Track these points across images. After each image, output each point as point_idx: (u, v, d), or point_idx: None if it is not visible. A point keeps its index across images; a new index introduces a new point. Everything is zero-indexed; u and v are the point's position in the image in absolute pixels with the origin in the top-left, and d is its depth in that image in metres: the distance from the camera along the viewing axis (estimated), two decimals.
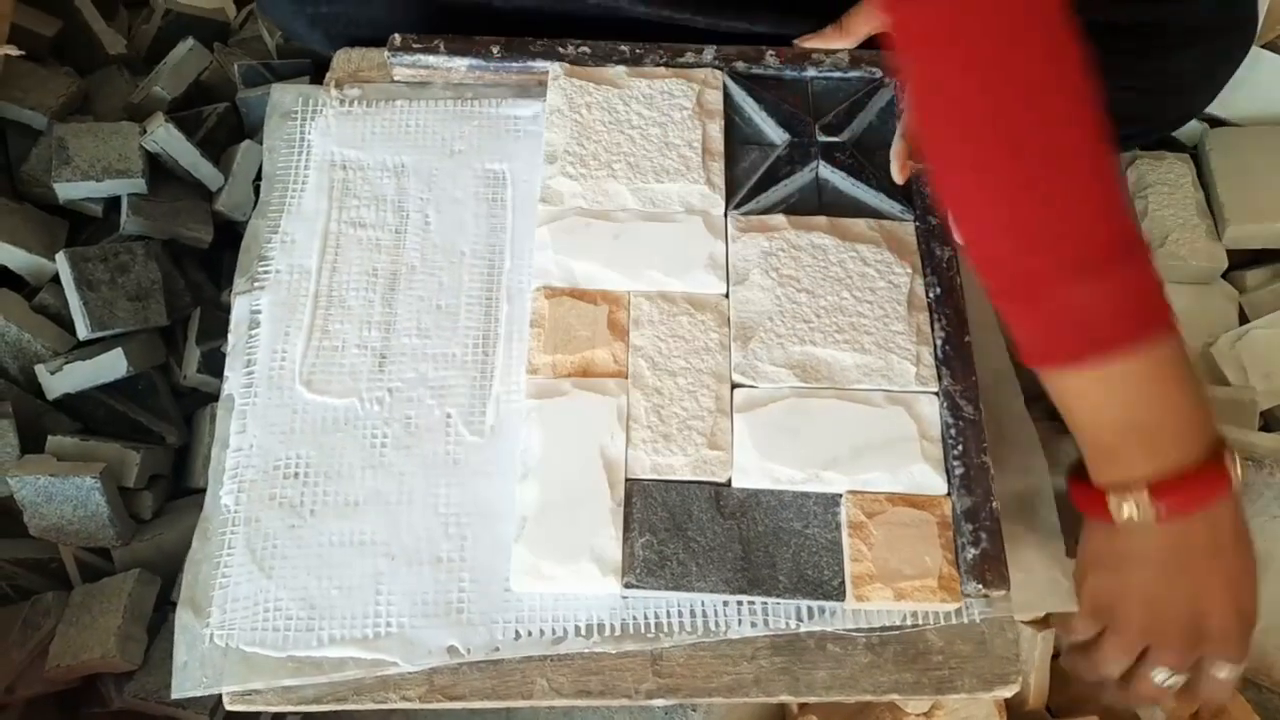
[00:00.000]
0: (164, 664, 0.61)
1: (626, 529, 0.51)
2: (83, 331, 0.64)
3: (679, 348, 0.55)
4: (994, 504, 0.51)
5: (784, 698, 0.50)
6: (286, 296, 0.59)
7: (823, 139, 0.61)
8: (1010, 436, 0.57)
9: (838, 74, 0.64)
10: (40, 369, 0.63)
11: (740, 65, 0.64)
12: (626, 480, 0.52)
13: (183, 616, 0.52)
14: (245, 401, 0.56)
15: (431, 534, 0.53)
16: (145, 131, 0.70)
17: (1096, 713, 0.62)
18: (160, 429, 0.67)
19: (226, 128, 0.77)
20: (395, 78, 0.66)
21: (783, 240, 0.58)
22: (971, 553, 0.50)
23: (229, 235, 0.75)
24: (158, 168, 0.72)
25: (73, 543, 0.63)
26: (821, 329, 0.55)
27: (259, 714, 0.64)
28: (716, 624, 0.51)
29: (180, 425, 0.69)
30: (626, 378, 0.54)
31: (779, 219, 0.59)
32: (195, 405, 0.70)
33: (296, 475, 0.54)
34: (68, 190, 0.68)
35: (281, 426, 0.55)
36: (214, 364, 0.69)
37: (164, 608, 0.63)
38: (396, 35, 0.65)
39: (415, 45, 0.64)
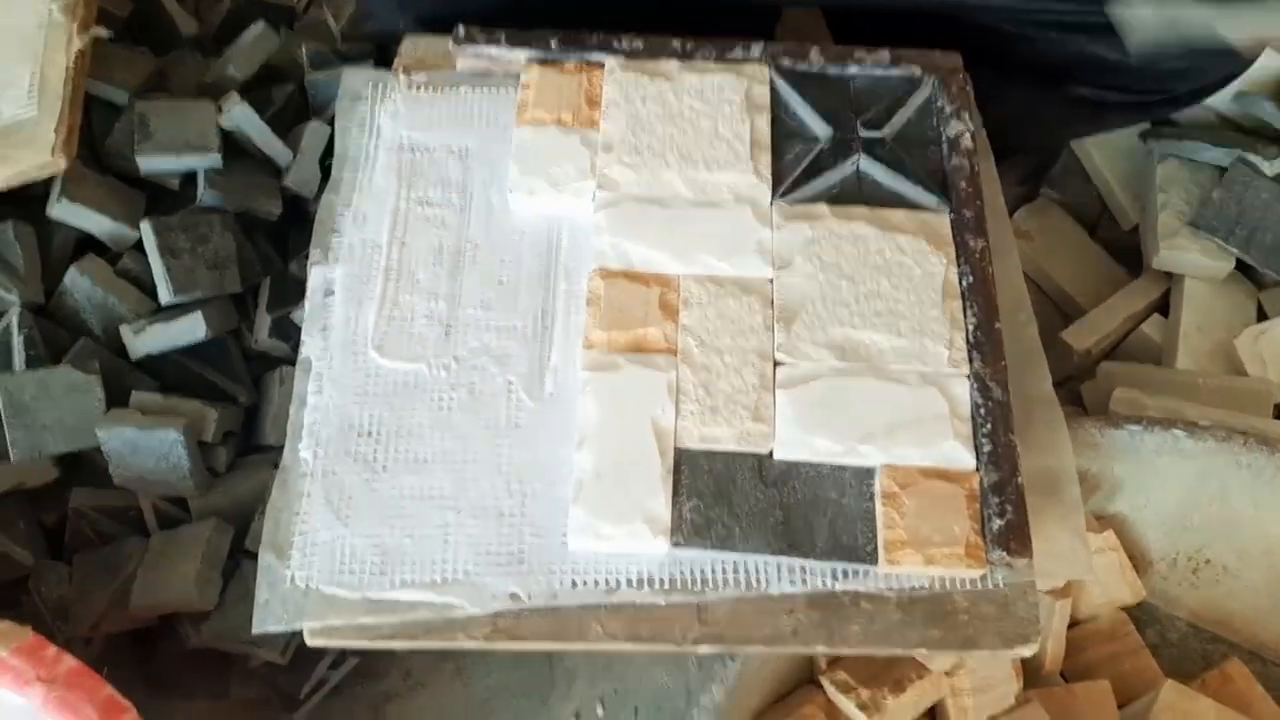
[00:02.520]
0: (238, 606, 0.66)
1: (675, 494, 0.55)
2: (165, 296, 0.68)
3: (726, 327, 0.59)
4: (1019, 479, 0.55)
5: (820, 649, 0.55)
6: (359, 269, 0.63)
7: (864, 134, 0.65)
8: (1037, 417, 0.61)
9: (879, 71, 0.68)
10: (124, 329, 0.68)
11: (786, 61, 0.68)
12: (676, 449, 0.56)
13: (265, 558, 0.56)
14: (321, 364, 0.61)
15: (495, 490, 0.57)
16: (221, 110, 0.74)
17: (1108, 679, 0.66)
18: (233, 389, 0.72)
19: (294, 108, 0.81)
20: (459, 67, 0.70)
21: (825, 229, 0.62)
22: (997, 523, 0.54)
23: (295, 210, 0.79)
24: (231, 144, 0.76)
25: (153, 493, 0.67)
26: (860, 313, 0.59)
27: (325, 652, 0.69)
28: (758, 580, 0.55)
29: (250, 386, 0.73)
30: (676, 354, 0.58)
31: (822, 208, 0.63)
32: (264, 368, 0.75)
33: (370, 433, 0.58)
34: (149, 163, 0.72)
35: (355, 388, 0.60)
36: (283, 330, 0.73)
37: (237, 555, 0.68)
38: (461, 26, 0.68)
39: (479, 36, 0.68)
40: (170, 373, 0.71)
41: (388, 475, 0.57)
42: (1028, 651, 0.55)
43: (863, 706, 0.60)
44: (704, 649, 0.54)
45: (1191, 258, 0.75)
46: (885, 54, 0.68)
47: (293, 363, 0.67)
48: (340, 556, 0.55)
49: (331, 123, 0.77)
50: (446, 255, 0.64)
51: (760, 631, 0.54)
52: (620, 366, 0.58)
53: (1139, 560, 0.68)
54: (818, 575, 0.55)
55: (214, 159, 0.73)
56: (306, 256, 0.65)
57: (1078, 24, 0.68)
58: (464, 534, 0.56)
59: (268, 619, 0.54)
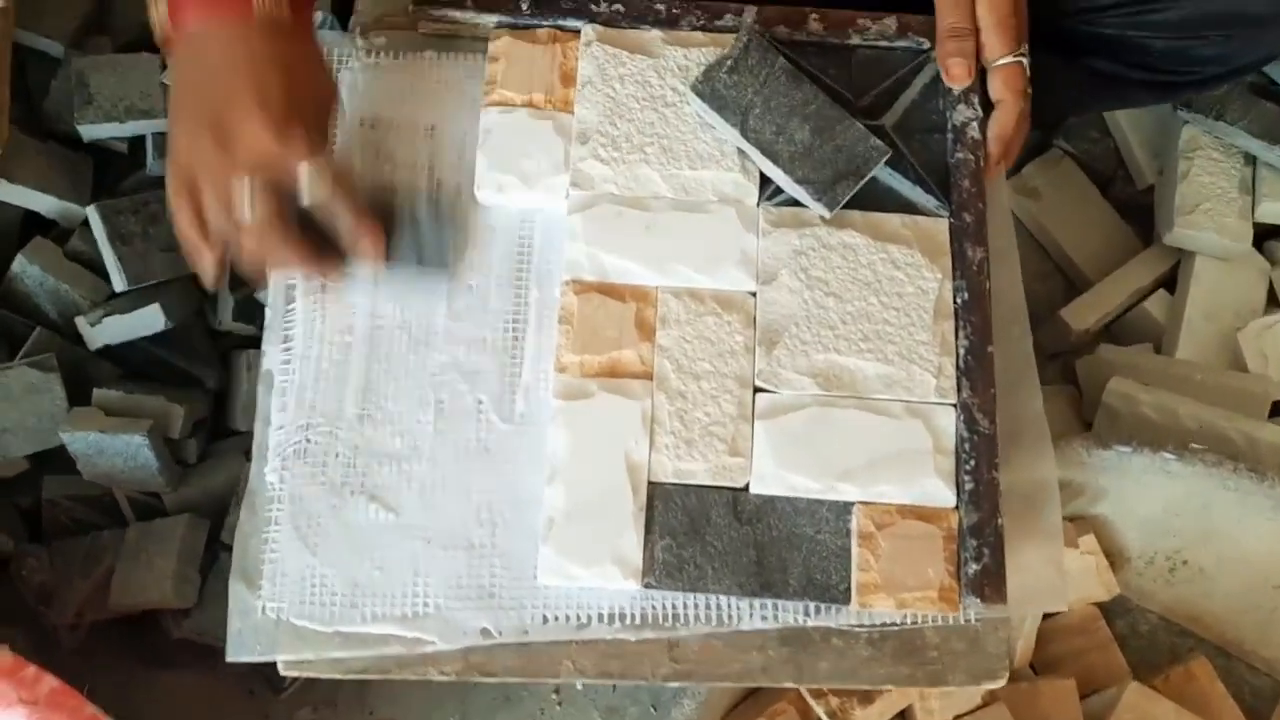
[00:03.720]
0: (217, 601, 0.67)
1: (648, 531, 0.54)
2: (119, 285, 0.65)
3: (704, 350, 0.56)
4: (999, 520, 0.54)
5: (788, 684, 0.55)
6: None
7: (862, 122, 0.60)
8: (1024, 440, 0.59)
9: (883, 43, 0.62)
10: (80, 322, 0.65)
11: (782, 30, 0.61)
12: (649, 483, 0.54)
13: (235, 587, 0.56)
14: (285, 379, 0.58)
15: (464, 520, 0.56)
16: (165, 66, 0.68)
17: (1075, 672, 0.67)
18: (199, 373, 0.70)
19: None
20: (421, 31, 0.63)
21: (814, 238, 0.58)
22: (973, 568, 0.53)
23: None
24: None
25: (124, 488, 0.66)
26: (846, 336, 0.56)
27: None
28: (729, 616, 0.55)
29: (218, 368, 0.71)
30: (652, 379, 0.56)
31: (811, 213, 0.58)
32: (231, 346, 0.72)
33: (337, 455, 0.57)
34: (92, 131, 0.67)
35: (320, 407, 0.58)
36: (247, 311, 0.70)
37: (214, 546, 0.68)
38: None
39: None
40: (133, 358, 0.68)
41: (356, 501, 0.56)
42: (995, 685, 0.56)
43: (831, 714, 0.61)
44: (674, 684, 0.55)
45: (1207, 237, 0.71)
46: (891, 22, 0.61)
47: (260, 344, 0.65)
48: (310, 588, 0.55)
49: None
50: None
51: (730, 668, 0.55)
52: (593, 394, 0.55)
53: (1116, 557, 0.67)
54: (789, 611, 0.55)
55: (161, 124, 0.68)
56: None
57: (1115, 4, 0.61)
58: (434, 566, 0.55)
59: (241, 650, 0.55)
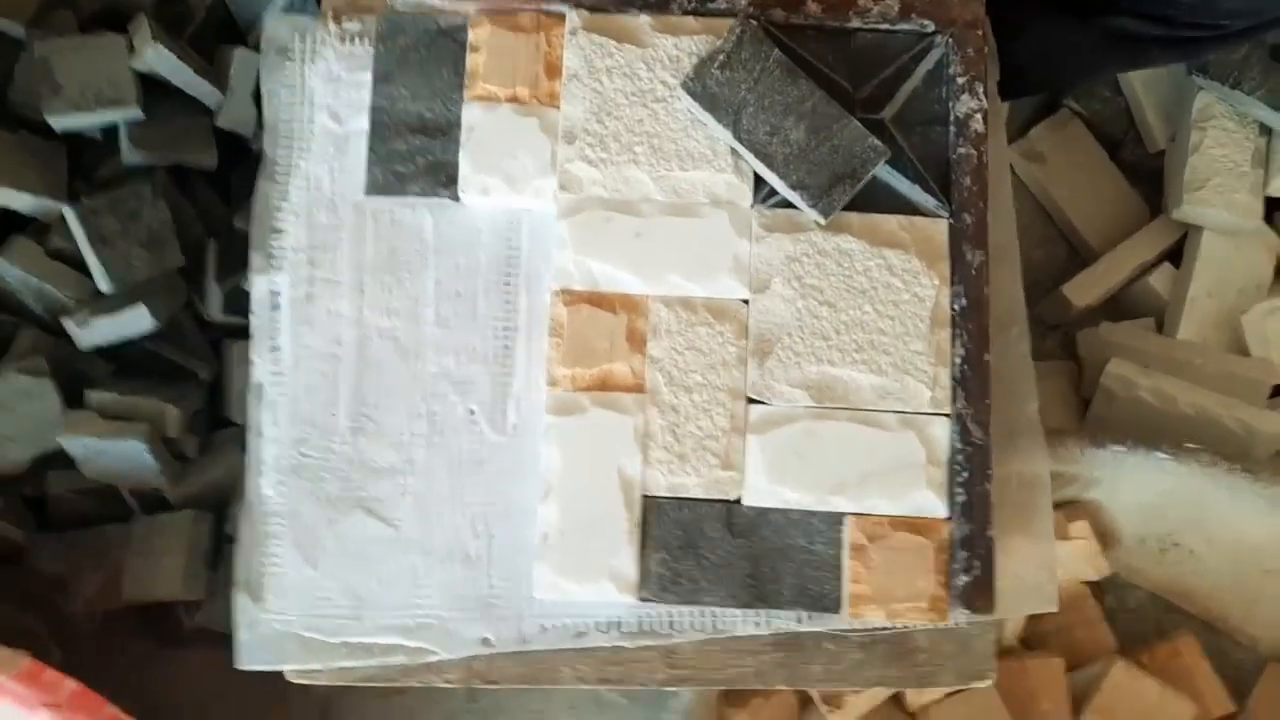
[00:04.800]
0: (227, 594, 0.68)
1: (642, 545, 0.54)
2: (104, 287, 0.64)
3: (697, 361, 0.56)
4: (990, 533, 0.54)
5: (780, 686, 0.57)
6: (304, 276, 0.59)
7: (861, 116, 0.57)
8: (1018, 444, 0.59)
9: (885, 26, 0.59)
10: (68, 323, 0.64)
11: (778, 13, 0.58)
12: (642, 498, 0.55)
13: (239, 599, 0.57)
14: (275, 391, 0.58)
15: (460, 532, 0.57)
16: (133, 50, 0.65)
17: (1062, 647, 0.69)
18: (192, 366, 0.69)
19: (215, 21, 0.71)
20: (399, 8, 0.60)
21: (808, 244, 0.56)
22: (964, 579, 0.54)
23: (233, 149, 0.72)
24: (151, 84, 0.67)
25: (126, 485, 0.67)
26: (840, 347, 0.55)
27: None
28: (724, 623, 0.56)
29: (210, 359, 0.70)
30: (644, 392, 0.55)
31: (806, 215, 0.57)
32: (223, 334, 0.72)
33: (331, 469, 0.57)
34: (61, 122, 0.65)
35: (313, 420, 0.57)
36: (236, 302, 0.69)
37: (219, 538, 0.69)
38: None
39: None
40: (125, 353, 0.68)
41: (354, 515, 0.57)
42: (983, 685, 0.57)
43: (825, 699, 0.63)
44: (671, 689, 0.56)
45: (1216, 214, 0.68)
46: (894, 3, 0.58)
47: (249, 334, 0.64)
48: (313, 600, 0.56)
49: (260, 47, 0.67)
50: (399, 260, 0.59)
51: (725, 672, 0.56)
52: (585, 409, 0.55)
53: (1108, 537, 0.68)
54: (782, 618, 0.56)
55: (133, 112, 0.65)
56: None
57: None
58: (433, 578, 0.56)
59: (249, 659, 0.56)
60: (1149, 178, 0.77)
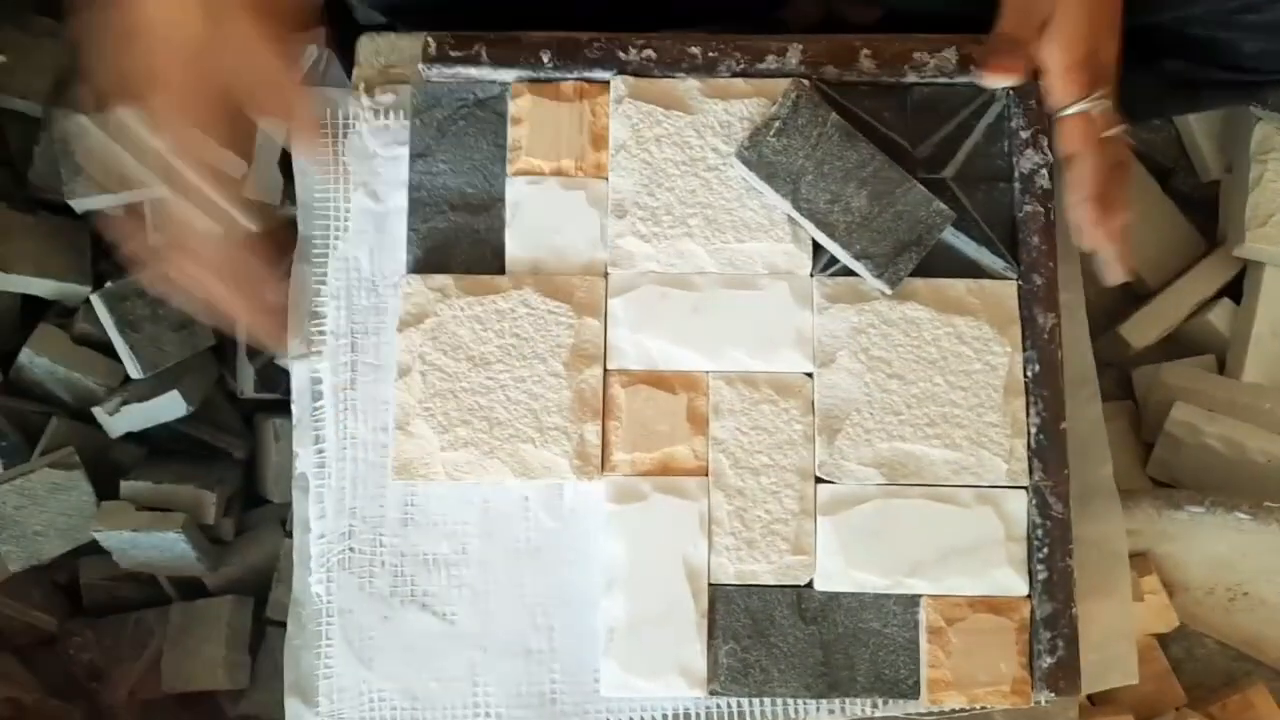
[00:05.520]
0: (270, 681, 0.66)
1: (710, 635, 0.52)
2: (134, 373, 0.62)
3: (762, 441, 0.53)
4: (1073, 610, 0.52)
5: None
6: (345, 362, 0.56)
7: (922, 176, 0.55)
8: (1093, 509, 0.57)
9: (942, 80, 0.56)
10: (98, 413, 0.62)
11: (830, 71, 0.56)
12: (710, 586, 0.53)
13: (290, 703, 0.55)
14: (320, 483, 0.56)
15: (519, 625, 0.54)
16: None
17: (1130, 702, 0.67)
18: (226, 445, 0.67)
19: None
20: (433, 79, 0.57)
21: (874, 314, 0.54)
22: (1047, 661, 0.52)
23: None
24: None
25: (164, 573, 0.65)
26: (912, 422, 0.53)
27: None
28: (797, 711, 0.54)
29: (245, 436, 0.68)
30: (707, 475, 0.53)
31: (869, 285, 0.54)
32: (255, 408, 0.70)
33: (383, 564, 0.55)
34: (84, 204, 0.63)
35: (360, 512, 0.55)
36: (269, 379, 0.67)
37: (260, 621, 0.67)
38: (430, 39, 0.56)
39: (453, 54, 0.56)
40: (157, 436, 0.66)
41: (407, 610, 0.55)
42: None
43: None
44: None
45: (1264, 247, 0.66)
46: (951, 55, 0.56)
47: (286, 408, 0.62)
48: (368, 702, 0.54)
49: None
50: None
51: None
52: (647, 496, 0.53)
53: (1175, 586, 0.66)
54: (858, 703, 0.54)
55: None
56: (285, 278, 0.58)
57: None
58: (492, 675, 0.54)
59: None
60: (1202, 206, 0.75)
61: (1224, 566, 0.64)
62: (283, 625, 0.57)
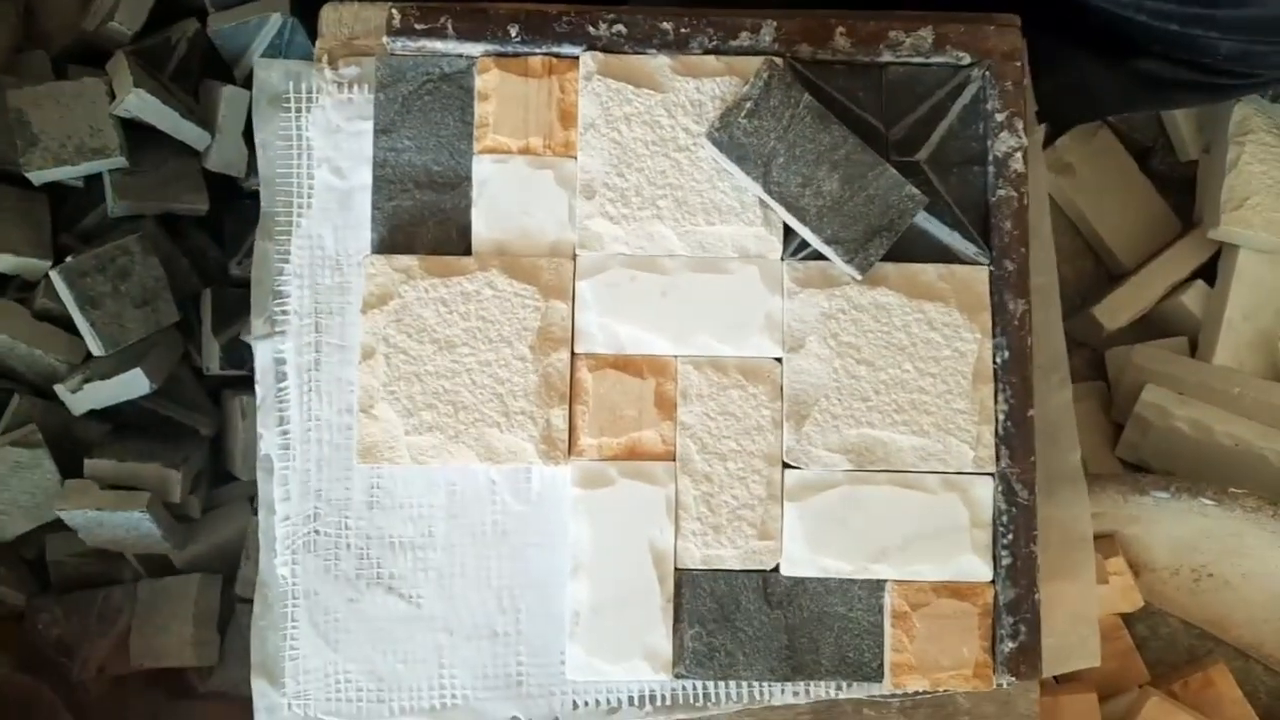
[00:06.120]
0: (239, 657, 0.66)
1: (676, 619, 0.52)
2: (96, 350, 0.61)
3: (730, 427, 0.53)
4: (1036, 596, 0.53)
5: None
6: (309, 342, 0.55)
7: (895, 159, 0.54)
8: (1060, 496, 0.57)
9: (918, 60, 0.55)
10: (60, 390, 0.61)
11: (805, 49, 0.55)
12: (676, 570, 0.53)
13: (257, 683, 0.55)
14: (284, 465, 0.55)
15: (486, 608, 0.54)
16: (114, 98, 0.61)
17: (1095, 679, 0.68)
18: (193, 422, 0.66)
19: (199, 54, 0.67)
20: (398, 51, 0.56)
21: (844, 299, 0.53)
22: (1009, 645, 0.52)
23: (225, 191, 0.68)
24: (135, 127, 0.63)
25: (130, 551, 0.65)
26: (880, 408, 0.53)
27: None
28: (761, 694, 0.54)
29: (211, 412, 0.68)
30: (675, 460, 0.53)
31: (840, 269, 0.54)
32: (221, 385, 0.69)
33: (348, 546, 0.55)
34: (41, 175, 0.61)
35: (325, 494, 0.55)
36: (234, 355, 0.66)
37: (228, 598, 0.67)
38: (394, 10, 0.54)
39: (418, 26, 0.54)
40: (122, 413, 0.65)
41: (373, 593, 0.54)
42: None
43: None
44: None
45: (1255, 234, 0.66)
46: (927, 34, 0.55)
47: (252, 385, 0.61)
48: (334, 683, 0.54)
49: (248, 83, 0.64)
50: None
51: None
52: (613, 480, 0.53)
53: (1141, 567, 0.67)
54: (821, 687, 0.54)
55: (117, 160, 0.62)
56: (249, 254, 0.57)
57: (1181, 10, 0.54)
58: (459, 656, 0.54)
59: None
60: (1179, 186, 0.74)
61: (1189, 549, 0.65)
62: (251, 603, 0.57)
